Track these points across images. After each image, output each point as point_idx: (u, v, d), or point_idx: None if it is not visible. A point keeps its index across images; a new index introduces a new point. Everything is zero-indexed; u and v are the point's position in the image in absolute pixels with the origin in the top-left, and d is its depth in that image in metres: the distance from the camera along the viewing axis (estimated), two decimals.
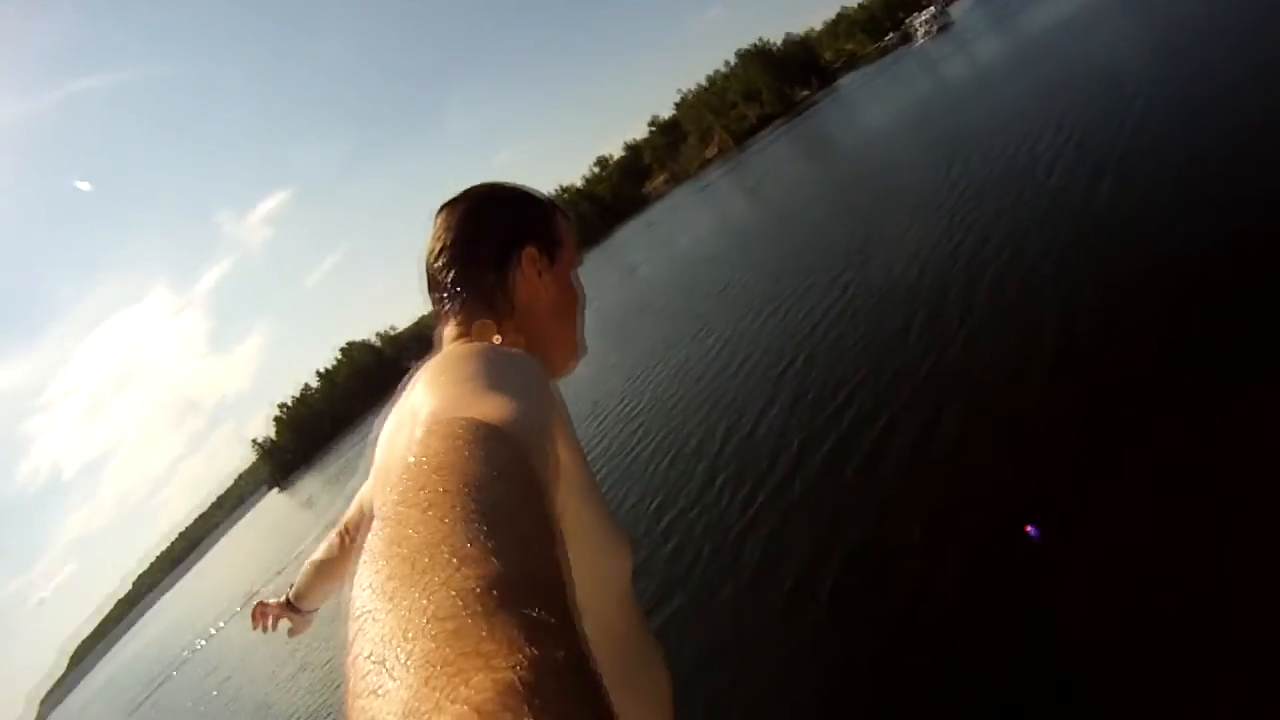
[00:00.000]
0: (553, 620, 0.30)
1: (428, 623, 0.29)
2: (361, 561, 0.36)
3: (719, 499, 5.27)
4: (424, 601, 0.30)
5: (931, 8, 69.32)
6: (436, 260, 0.91)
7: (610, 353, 13.40)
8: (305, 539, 27.23)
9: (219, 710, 13.44)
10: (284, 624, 1.33)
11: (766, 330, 8.57)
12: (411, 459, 0.45)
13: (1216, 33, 8.81)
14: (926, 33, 66.60)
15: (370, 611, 0.31)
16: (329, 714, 7.54)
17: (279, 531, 46.57)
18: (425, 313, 0.96)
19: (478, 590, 0.30)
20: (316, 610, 1.33)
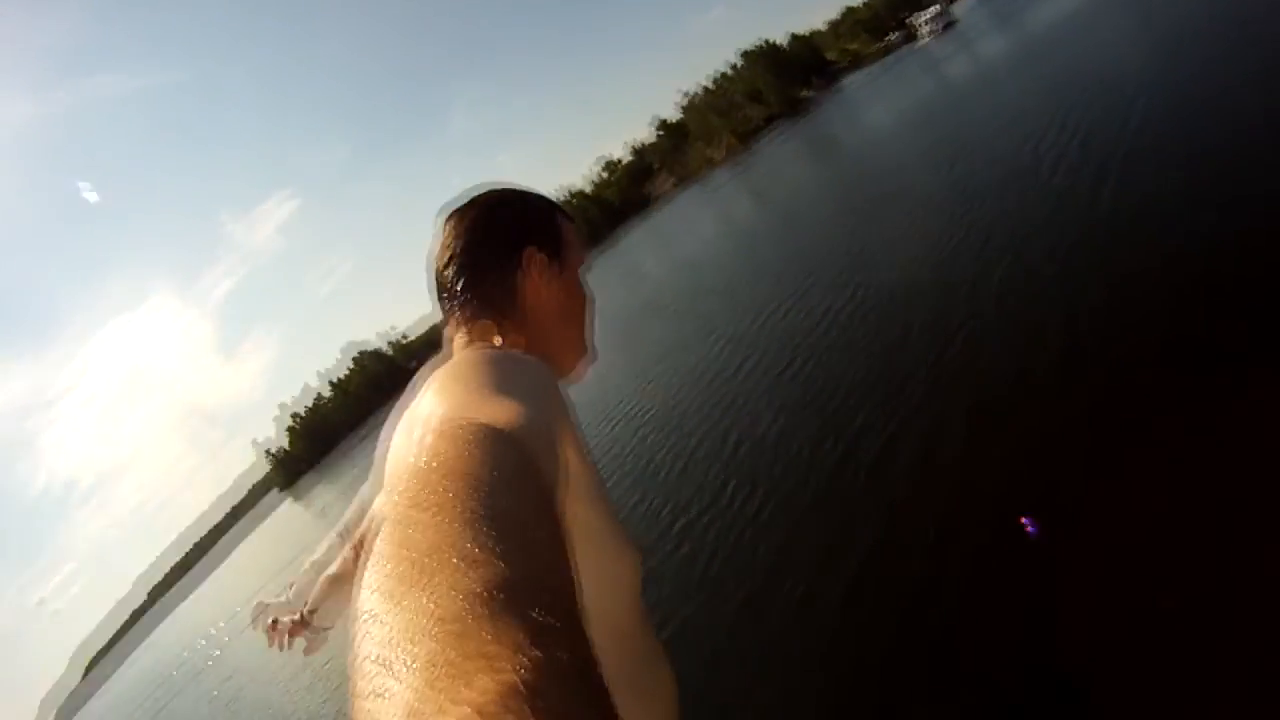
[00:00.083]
0: (557, 623, 0.30)
1: (432, 625, 0.29)
2: (368, 563, 0.36)
3: (729, 501, 5.29)
4: (429, 604, 0.30)
5: (935, 6, 69.12)
6: (443, 266, 0.91)
7: (618, 356, 13.44)
8: (316, 546, 27.34)
9: (233, 717, 13.53)
10: (299, 641, 1.31)
11: (773, 332, 8.58)
12: (419, 462, 0.45)
13: (1219, 31, 8.79)
14: (930, 31, 66.44)
15: (375, 613, 0.32)
16: (342, 718, 7.57)
17: (290, 539, 46.75)
18: (432, 315, 0.95)
19: (482, 593, 0.30)
20: (332, 626, 1.30)
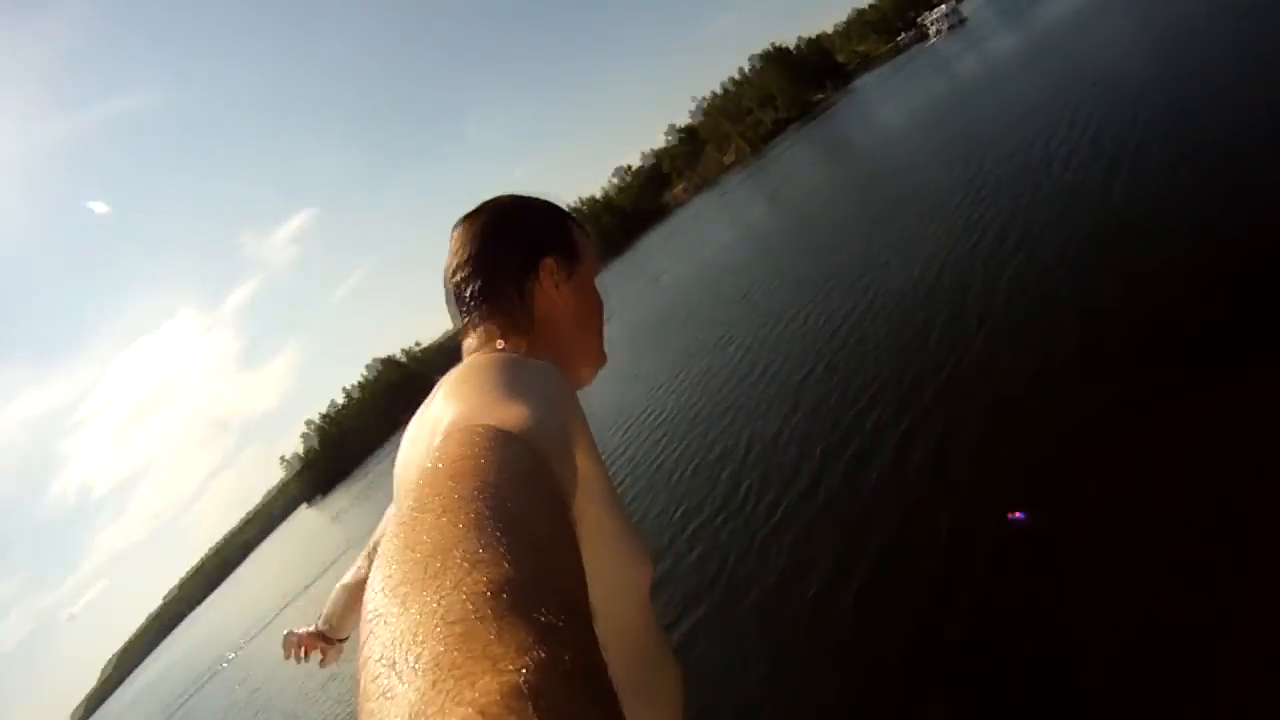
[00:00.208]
0: (563, 623, 0.30)
1: (437, 626, 0.29)
2: (376, 565, 0.36)
3: (744, 505, 5.30)
4: (434, 604, 0.30)
5: (944, 5, 68.94)
6: (456, 274, 0.92)
7: (635, 362, 13.47)
8: (336, 553, 27.57)
9: (250, 718, 13.73)
10: (315, 655, 1.31)
11: (788, 336, 8.59)
12: (428, 465, 0.45)
13: (1230, 22, 8.71)
14: (939, 30, 66.29)
15: (382, 614, 0.32)
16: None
17: (311, 546, 47.16)
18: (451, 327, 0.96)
19: (488, 593, 0.30)
20: (348, 637, 1.30)
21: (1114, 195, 6.25)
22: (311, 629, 1.31)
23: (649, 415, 9.62)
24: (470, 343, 0.90)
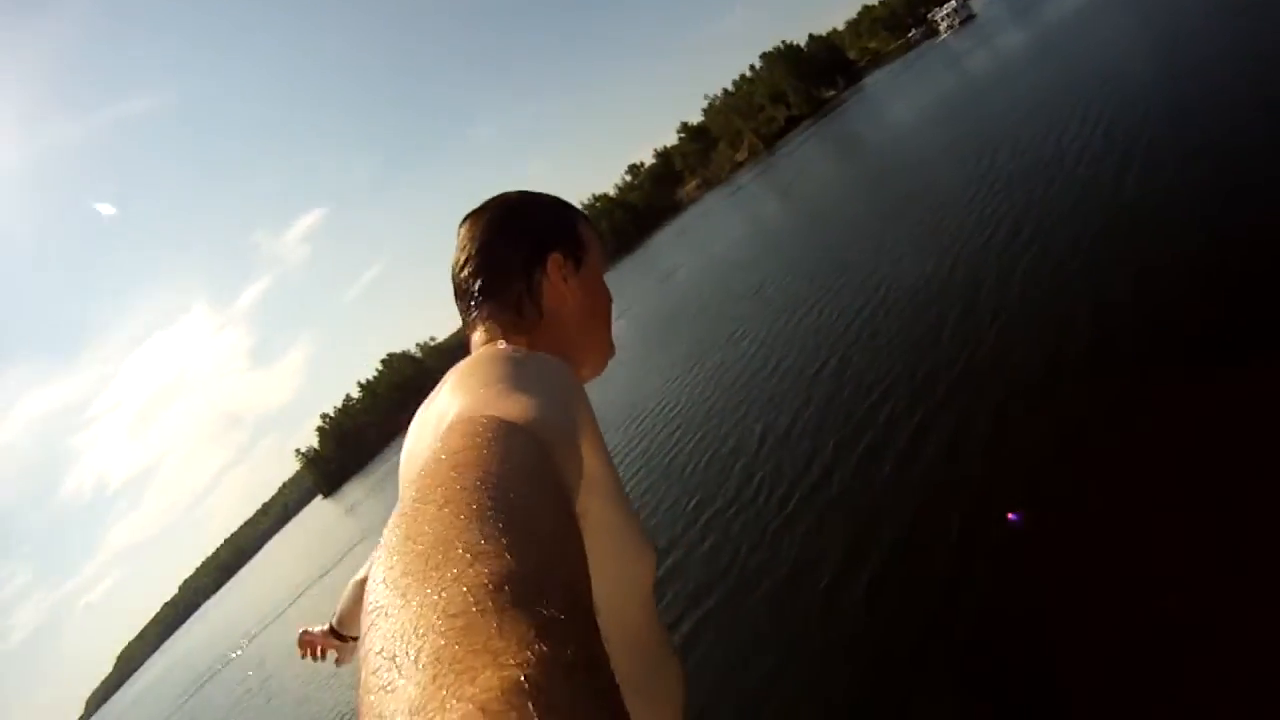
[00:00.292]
0: (564, 618, 0.30)
1: (438, 619, 0.29)
2: (377, 557, 0.36)
3: (756, 498, 5.30)
4: (435, 597, 0.30)
5: (953, 1, 68.40)
6: (463, 270, 0.92)
7: (648, 357, 13.49)
8: (349, 544, 27.77)
9: (260, 705, 13.91)
10: (330, 654, 1.32)
11: (800, 331, 8.57)
12: (432, 456, 0.45)
13: (1243, 15, 8.60)
14: (949, 26, 65.87)
15: (383, 606, 0.31)
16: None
17: (325, 538, 47.49)
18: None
19: (490, 586, 0.30)
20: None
21: (1126, 189, 6.21)
22: (325, 628, 1.31)
23: (663, 408, 9.62)
24: (477, 337, 0.90)
